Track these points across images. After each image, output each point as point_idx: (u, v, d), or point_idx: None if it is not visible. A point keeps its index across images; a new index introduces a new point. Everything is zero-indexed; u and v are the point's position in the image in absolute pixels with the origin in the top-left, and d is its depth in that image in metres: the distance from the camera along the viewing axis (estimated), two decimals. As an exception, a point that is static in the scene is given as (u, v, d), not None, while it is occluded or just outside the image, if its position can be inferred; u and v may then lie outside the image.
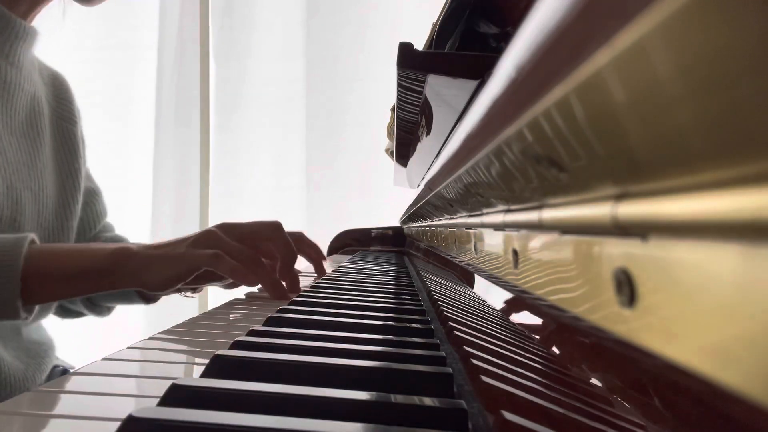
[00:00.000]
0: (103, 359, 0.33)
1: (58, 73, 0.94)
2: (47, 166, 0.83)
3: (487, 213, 0.33)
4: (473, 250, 0.41)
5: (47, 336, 0.87)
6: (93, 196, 0.96)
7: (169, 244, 0.64)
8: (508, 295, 0.33)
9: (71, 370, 0.85)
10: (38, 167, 0.81)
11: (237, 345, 0.32)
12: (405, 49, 0.40)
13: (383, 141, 1.21)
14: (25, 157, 0.79)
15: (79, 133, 0.92)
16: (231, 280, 0.73)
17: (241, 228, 0.66)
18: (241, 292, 0.70)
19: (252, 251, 0.62)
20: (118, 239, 0.97)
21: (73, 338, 1.35)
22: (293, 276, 0.68)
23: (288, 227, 0.74)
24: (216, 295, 1.70)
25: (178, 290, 0.69)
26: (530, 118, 0.17)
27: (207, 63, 2.02)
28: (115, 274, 0.60)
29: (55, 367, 0.87)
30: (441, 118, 0.48)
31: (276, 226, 0.68)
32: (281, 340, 0.33)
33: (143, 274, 0.61)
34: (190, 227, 1.96)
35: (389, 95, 0.69)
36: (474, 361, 0.26)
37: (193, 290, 0.79)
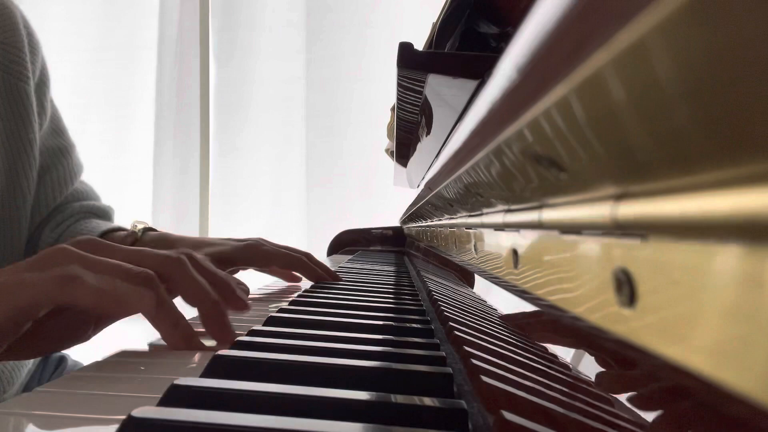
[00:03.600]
0: (103, 359, 0.33)
1: (4, 2, 0.71)
2: None
3: (487, 213, 0.33)
4: (473, 250, 0.41)
5: None
6: (58, 156, 0.74)
7: None
8: (508, 295, 0.33)
9: (68, 360, 0.83)
10: None
11: (237, 345, 0.32)
12: (405, 49, 0.40)
13: (383, 141, 1.21)
14: None
15: (31, 90, 0.70)
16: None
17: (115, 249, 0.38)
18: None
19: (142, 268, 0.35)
20: (97, 210, 0.78)
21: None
22: (221, 323, 0.38)
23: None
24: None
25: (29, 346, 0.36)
26: (530, 118, 0.17)
27: (207, 63, 2.03)
28: None
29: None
30: (441, 118, 0.48)
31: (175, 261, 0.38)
32: (281, 340, 0.33)
33: None
34: (190, 227, 1.96)
35: (389, 95, 0.69)
36: (474, 361, 0.26)
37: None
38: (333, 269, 0.85)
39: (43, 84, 0.74)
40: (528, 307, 0.28)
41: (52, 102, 0.78)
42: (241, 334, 0.35)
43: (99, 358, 0.33)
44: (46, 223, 0.75)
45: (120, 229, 0.73)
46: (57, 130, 0.77)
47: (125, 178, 1.97)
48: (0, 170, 0.66)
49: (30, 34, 0.74)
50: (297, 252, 0.69)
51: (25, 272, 0.33)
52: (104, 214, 0.80)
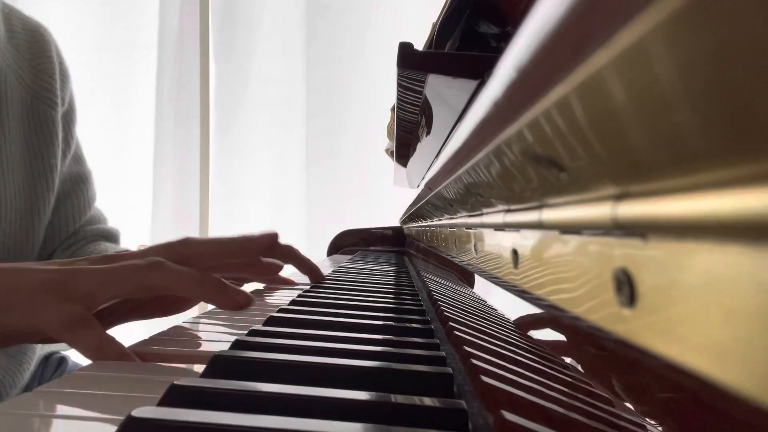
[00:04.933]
0: (103, 359, 0.33)
1: (40, 30, 0.73)
2: (12, 164, 0.66)
3: (487, 213, 0.33)
4: (473, 250, 0.41)
5: None
6: (78, 183, 0.77)
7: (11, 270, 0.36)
8: (508, 295, 0.33)
9: (69, 362, 0.82)
10: None
11: (237, 345, 0.32)
12: (405, 49, 0.40)
13: (383, 141, 1.21)
14: None
15: (58, 116, 0.72)
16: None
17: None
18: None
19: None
20: (107, 233, 0.80)
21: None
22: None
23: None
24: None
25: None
26: (530, 118, 0.17)
27: (207, 63, 2.03)
28: None
29: (51, 354, 0.80)
30: (441, 118, 0.48)
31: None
32: (281, 340, 0.33)
33: None
34: (190, 227, 1.97)
35: (389, 95, 0.69)
36: (474, 361, 0.26)
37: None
38: (333, 269, 0.85)
39: (71, 113, 0.76)
40: (529, 308, 0.28)
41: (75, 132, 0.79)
42: (241, 334, 0.35)
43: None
44: (58, 246, 0.76)
45: (127, 251, 0.75)
46: (77, 157, 0.79)
47: (125, 178, 1.97)
48: (20, 190, 0.67)
49: (61, 63, 0.75)
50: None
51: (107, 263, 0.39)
52: (112, 237, 0.82)
